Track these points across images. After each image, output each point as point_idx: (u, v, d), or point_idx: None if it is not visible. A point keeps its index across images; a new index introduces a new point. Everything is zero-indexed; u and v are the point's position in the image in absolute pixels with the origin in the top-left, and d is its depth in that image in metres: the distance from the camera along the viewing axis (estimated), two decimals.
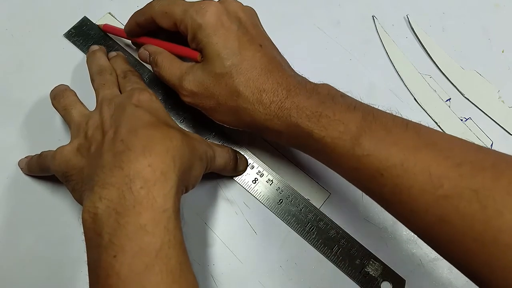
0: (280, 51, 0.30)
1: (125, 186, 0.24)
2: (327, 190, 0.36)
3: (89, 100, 0.35)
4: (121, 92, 0.34)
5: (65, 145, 0.31)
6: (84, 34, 0.41)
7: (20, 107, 0.38)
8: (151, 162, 0.25)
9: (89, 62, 0.37)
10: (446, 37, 0.42)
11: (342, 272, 0.34)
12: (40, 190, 0.36)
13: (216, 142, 0.37)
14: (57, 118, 0.37)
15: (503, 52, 0.41)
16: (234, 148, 0.36)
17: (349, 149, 0.26)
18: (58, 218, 0.35)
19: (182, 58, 0.33)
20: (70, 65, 0.40)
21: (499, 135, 0.38)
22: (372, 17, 0.42)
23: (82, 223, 0.25)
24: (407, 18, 0.42)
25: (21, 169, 0.36)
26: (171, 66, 0.32)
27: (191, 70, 0.31)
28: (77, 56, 0.40)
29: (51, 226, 0.35)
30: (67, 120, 0.34)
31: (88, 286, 0.25)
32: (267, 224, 0.35)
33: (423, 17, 0.42)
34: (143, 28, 0.35)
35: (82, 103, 0.35)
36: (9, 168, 0.36)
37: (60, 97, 0.35)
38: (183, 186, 0.28)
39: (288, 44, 0.41)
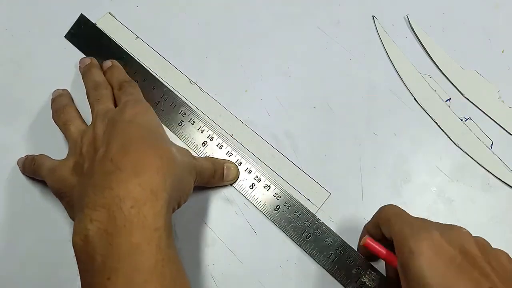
0: (280, 51, 0.29)
1: (115, 207, 0.24)
2: (327, 190, 0.36)
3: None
4: (117, 105, 0.34)
5: (62, 162, 0.31)
6: (84, 34, 0.41)
7: (20, 107, 0.38)
8: (141, 181, 0.25)
9: (84, 79, 0.37)
10: (446, 37, 0.42)
11: None
12: (40, 190, 0.36)
13: (214, 146, 0.37)
14: None
15: (503, 52, 0.41)
16: (232, 153, 0.36)
17: None
18: (58, 218, 0.35)
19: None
20: (70, 65, 0.40)
21: (499, 135, 0.38)
22: (372, 17, 0.42)
23: (73, 246, 0.25)
24: (407, 18, 0.42)
25: (19, 167, 0.36)
26: None
27: None
28: (77, 56, 0.40)
29: (51, 226, 0.35)
30: (66, 136, 0.34)
31: None
32: (267, 224, 0.35)
33: (423, 17, 0.42)
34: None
35: (81, 118, 0.34)
36: (9, 168, 0.36)
37: (61, 113, 0.35)
38: (175, 202, 0.28)
39: (288, 44, 0.41)
